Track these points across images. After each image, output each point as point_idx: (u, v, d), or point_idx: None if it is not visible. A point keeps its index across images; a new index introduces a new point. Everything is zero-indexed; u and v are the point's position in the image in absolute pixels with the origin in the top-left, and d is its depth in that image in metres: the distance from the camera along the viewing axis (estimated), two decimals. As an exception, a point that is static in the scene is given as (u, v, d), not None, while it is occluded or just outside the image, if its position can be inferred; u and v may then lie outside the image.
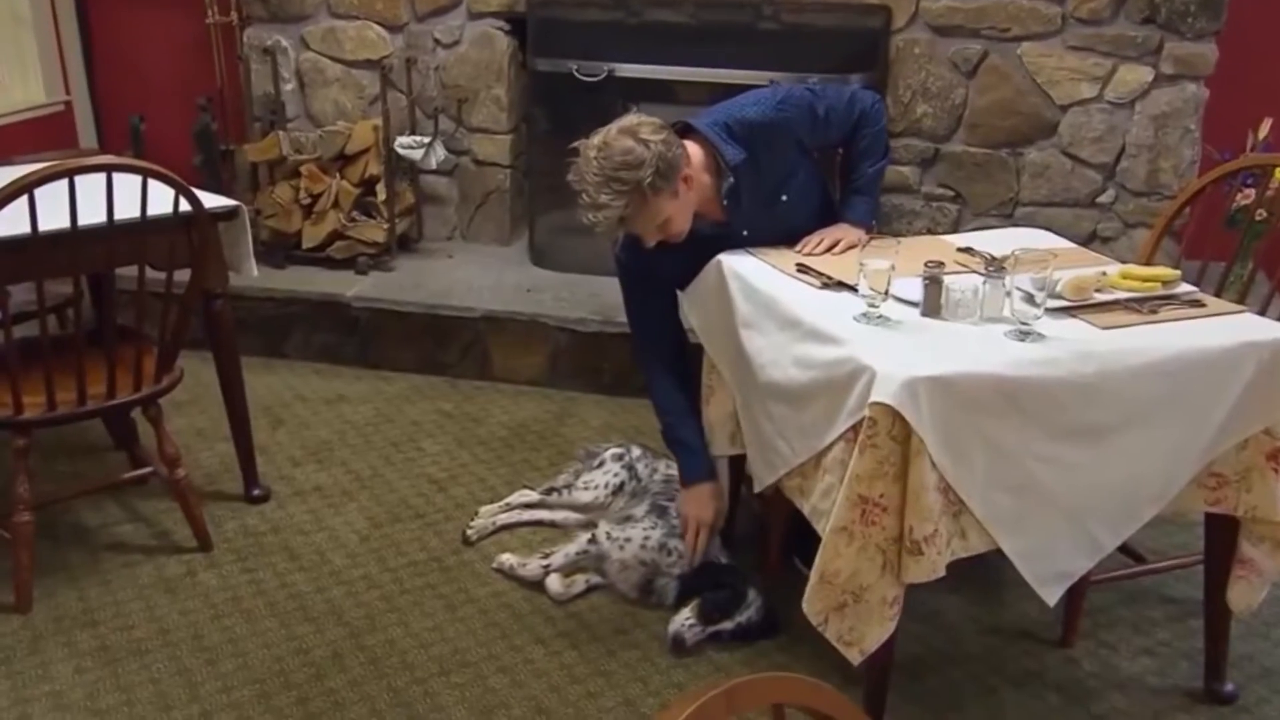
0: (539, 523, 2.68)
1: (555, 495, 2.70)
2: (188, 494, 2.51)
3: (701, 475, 2.35)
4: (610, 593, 2.42)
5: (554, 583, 2.41)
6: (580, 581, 2.42)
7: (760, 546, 2.47)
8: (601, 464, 2.67)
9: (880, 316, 1.89)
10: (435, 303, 3.51)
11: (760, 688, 0.89)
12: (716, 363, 2.27)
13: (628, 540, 2.38)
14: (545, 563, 2.44)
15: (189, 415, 3.17)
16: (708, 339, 2.29)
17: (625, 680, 2.15)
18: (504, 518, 2.68)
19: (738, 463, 2.42)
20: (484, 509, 2.71)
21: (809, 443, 1.87)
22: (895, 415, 1.67)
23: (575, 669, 2.18)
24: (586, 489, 2.64)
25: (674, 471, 2.45)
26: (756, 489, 2.16)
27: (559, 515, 2.68)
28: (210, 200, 2.46)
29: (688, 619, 2.21)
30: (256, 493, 2.78)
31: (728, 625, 2.22)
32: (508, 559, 2.49)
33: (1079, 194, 3.55)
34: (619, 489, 2.60)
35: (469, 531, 2.63)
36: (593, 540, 2.43)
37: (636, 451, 2.69)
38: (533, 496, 2.73)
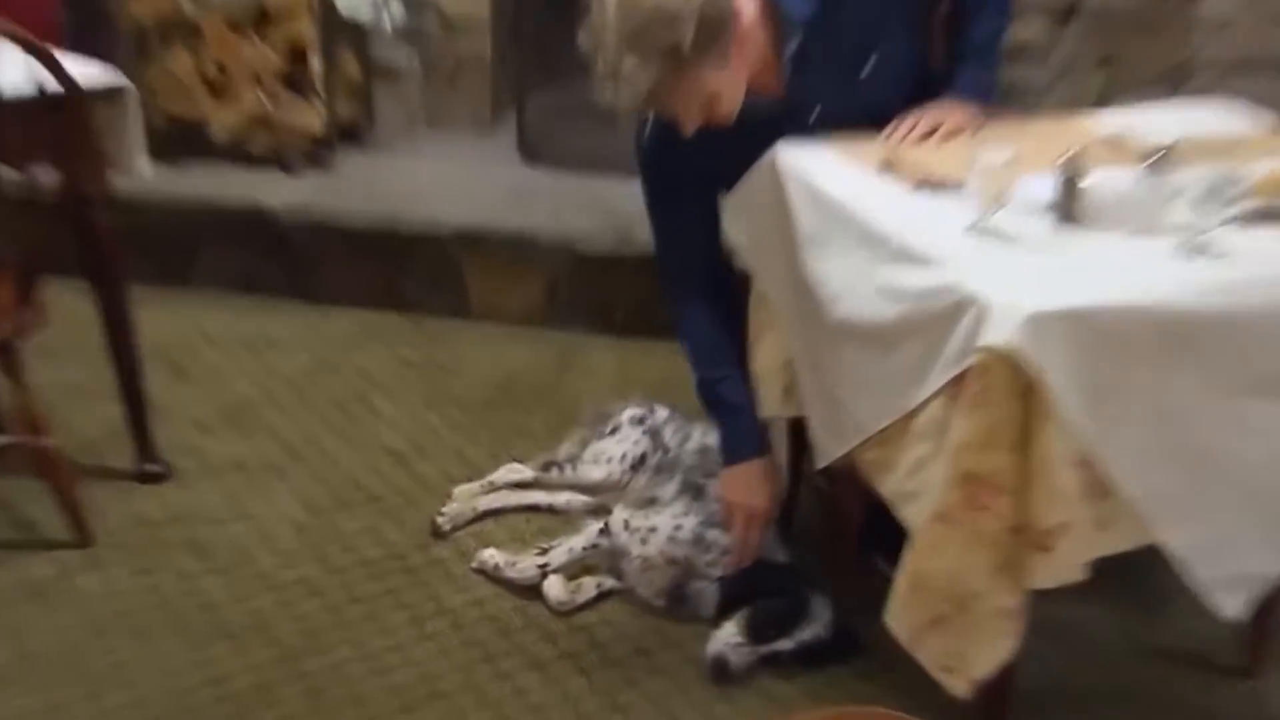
0: (534, 508, 2.72)
1: (555, 472, 2.74)
2: (59, 470, 2.53)
3: (749, 448, 2.38)
4: (630, 601, 2.46)
5: (554, 588, 2.44)
6: (589, 586, 2.46)
7: (830, 539, 2.50)
8: (616, 430, 2.71)
9: (996, 228, 1.88)
10: (392, 214, 3.53)
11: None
12: (769, 294, 2.29)
13: (652, 531, 2.42)
14: (543, 561, 2.47)
15: (60, 365, 3.07)
16: (758, 261, 2.30)
17: (649, 717, 2.18)
18: (487, 502, 2.72)
19: (798, 427, 2.40)
20: (460, 490, 2.75)
21: (894, 401, 1.88)
22: (1016, 362, 1.67)
23: (583, 703, 2.20)
24: (597, 463, 2.67)
25: (713, 440, 2.50)
26: (821, 463, 2.19)
27: (560, 498, 2.72)
28: (85, 73, 2.44)
29: (733, 636, 2.25)
30: (153, 469, 2.80)
31: (786, 644, 2.26)
32: (493, 556, 2.52)
33: (1280, 55, 3.48)
34: (639, 462, 2.64)
35: (441, 520, 2.66)
36: (605, 531, 2.46)
37: (662, 413, 2.71)
38: (525, 474, 2.77)
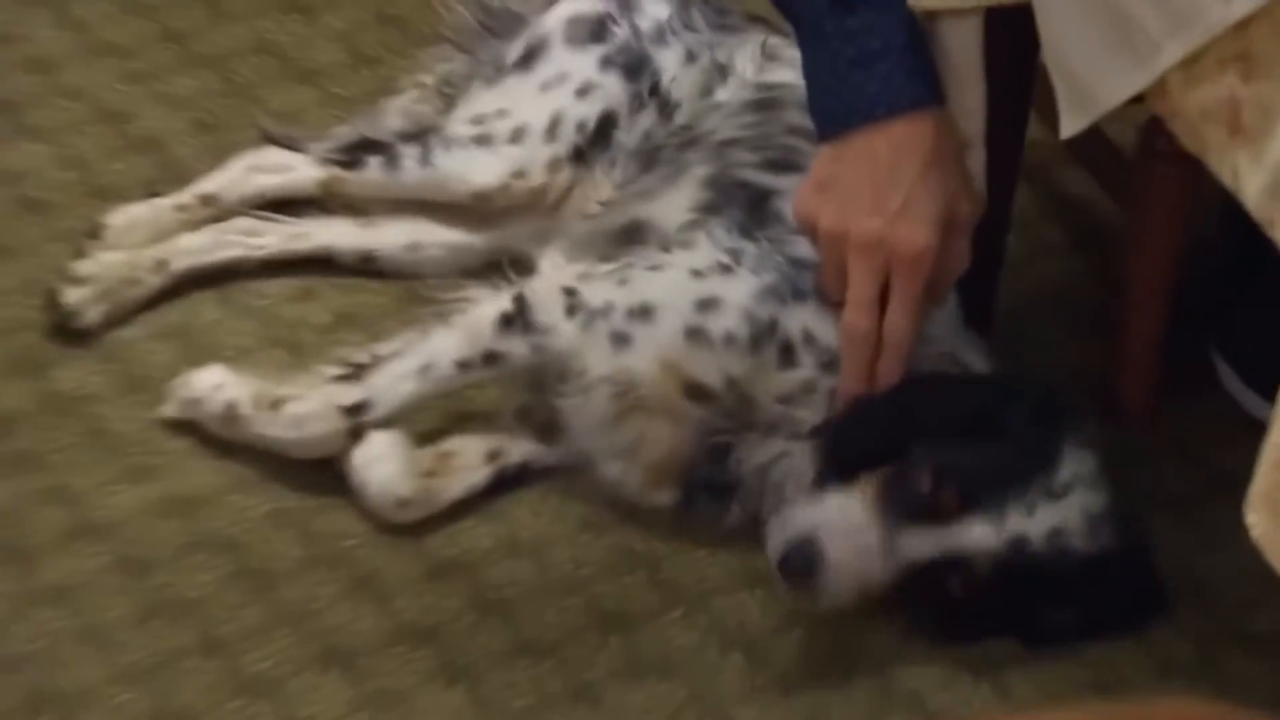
0: (322, 260, 2.29)
1: (378, 167, 2.30)
2: None
3: (887, 89, 1.90)
4: (583, 497, 2.06)
5: (383, 465, 2.01)
6: (471, 460, 2.03)
7: (1109, 321, 2.23)
8: (534, 54, 2.30)
9: None
10: None
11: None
12: None
13: (641, 314, 2.02)
14: (352, 400, 2.00)
15: None
16: None
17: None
18: (201, 244, 2.25)
19: (1016, 46, 1.98)
20: (127, 217, 2.24)
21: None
22: None
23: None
24: (486, 144, 2.28)
25: (788, 74, 2.10)
26: (1075, 125, 1.79)
27: (389, 235, 2.32)
28: None
29: (852, 510, 1.90)
30: None
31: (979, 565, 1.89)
32: (218, 389, 2.05)
33: None
34: (596, 140, 2.25)
35: (76, 297, 2.19)
36: (517, 317, 2.04)
37: (657, 7, 2.32)
38: (298, 172, 2.30)
